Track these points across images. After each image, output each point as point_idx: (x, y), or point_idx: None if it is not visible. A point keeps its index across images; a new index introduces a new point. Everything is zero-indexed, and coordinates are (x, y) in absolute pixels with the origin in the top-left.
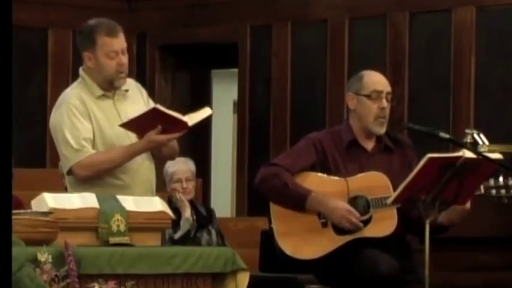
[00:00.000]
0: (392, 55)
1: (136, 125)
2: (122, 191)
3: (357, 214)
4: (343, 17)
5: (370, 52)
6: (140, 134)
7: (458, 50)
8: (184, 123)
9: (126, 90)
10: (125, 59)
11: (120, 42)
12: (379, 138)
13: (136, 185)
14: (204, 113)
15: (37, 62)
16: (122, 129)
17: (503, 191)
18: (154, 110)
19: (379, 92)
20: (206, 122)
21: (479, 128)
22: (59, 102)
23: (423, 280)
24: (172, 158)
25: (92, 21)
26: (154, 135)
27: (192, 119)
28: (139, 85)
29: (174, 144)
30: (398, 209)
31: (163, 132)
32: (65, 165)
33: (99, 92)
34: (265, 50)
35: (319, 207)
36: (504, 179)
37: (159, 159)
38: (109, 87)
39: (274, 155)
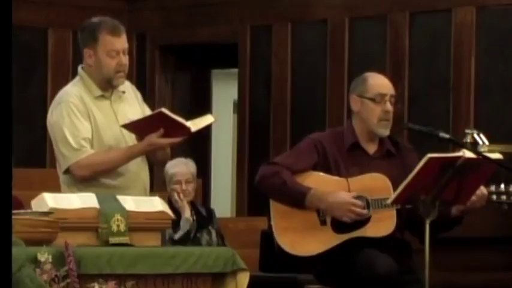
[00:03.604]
0: (393, 55)
1: (139, 126)
2: (117, 192)
3: (359, 203)
4: (343, 17)
5: (370, 52)
6: (141, 136)
7: (458, 50)
8: (187, 129)
9: (123, 92)
10: (125, 60)
11: (122, 42)
12: (381, 142)
13: (131, 186)
14: (207, 120)
15: (37, 62)
16: (119, 131)
17: (503, 197)
18: (160, 113)
19: (383, 95)
20: None
21: (479, 128)
22: (57, 100)
23: (423, 280)
24: (162, 164)
25: (95, 19)
26: (155, 138)
27: (195, 125)
28: (134, 88)
29: (168, 150)
30: (401, 211)
31: (164, 136)
32: (62, 164)
33: (98, 92)
34: (265, 50)
35: (319, 204)
36: (505, 185)
37: (152, 162)
38: (107, 86)
39: (274, 155)
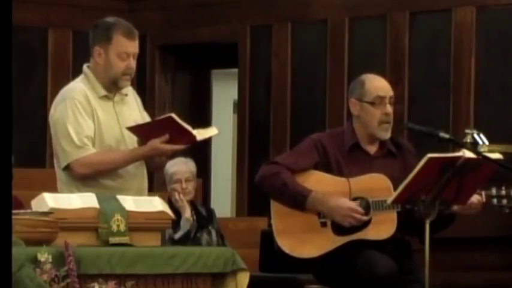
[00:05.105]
0: (393, 55)
1: (143, 130)
2: (114, 193)
3: (360, 209)
4: (343, 17)
5: (370, 52)
6: (144, 139)
7: (458, 50)
8: (193, 137)
9: (126, 95)
10: (134, 64)
11: (134, 46)
12: (382, 143)
13: (129, 189)
14: (212, 131)
15: (37, 62)
16: (119, 133)
17: (504, 201)
18: (169, 118)
19: (382, 98)
20: (207, 122)
21: (479, 128)
22: (61, 96)
23: (423, 280)
24: (159, 168)
25: (110, 18)
26: (159, 144)
27: (200, 134)
28: (135, 93)
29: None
30: (401, 213)
31: (167, 142)
32: (62, 161)
33: (102, 92)
34: (265, 50)
35: (319, 207)
36: (506, 188)
37: (149, 167)
38: (112, 87)
39: (274, 155)
